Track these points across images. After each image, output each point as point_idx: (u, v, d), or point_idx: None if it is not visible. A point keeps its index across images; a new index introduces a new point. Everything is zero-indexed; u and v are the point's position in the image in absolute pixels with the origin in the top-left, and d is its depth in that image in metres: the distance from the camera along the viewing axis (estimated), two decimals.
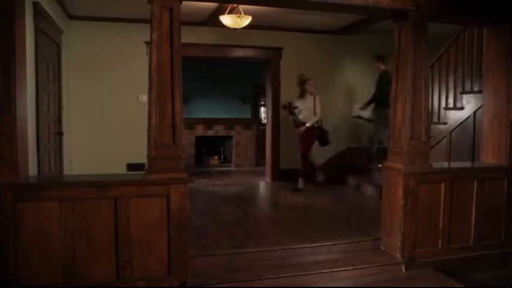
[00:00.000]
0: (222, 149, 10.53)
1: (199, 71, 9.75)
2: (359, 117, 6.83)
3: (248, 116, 10.42)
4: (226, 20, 5.16)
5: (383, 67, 6.50)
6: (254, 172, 8.81)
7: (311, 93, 6.24)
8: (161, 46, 3.20)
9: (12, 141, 2.96)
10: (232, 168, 9.73)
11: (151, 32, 3.19)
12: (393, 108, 3.94)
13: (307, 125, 6.16)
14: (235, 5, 5.08)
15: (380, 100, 6.43)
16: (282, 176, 7.12)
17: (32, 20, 3.93)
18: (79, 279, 3.10)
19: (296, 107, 6.31)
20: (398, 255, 3.82)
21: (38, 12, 4.03)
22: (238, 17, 5.08)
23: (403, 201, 3.77)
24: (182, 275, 3.29)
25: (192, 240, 3.94)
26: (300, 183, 6.34)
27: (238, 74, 9.82)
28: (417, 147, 3.81)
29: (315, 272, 3.57)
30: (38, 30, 4.05)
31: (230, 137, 10.05)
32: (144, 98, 5.95)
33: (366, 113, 6.72)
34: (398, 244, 3.81)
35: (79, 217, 3.08)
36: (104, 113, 6.35)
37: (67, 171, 5.71)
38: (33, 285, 3.02)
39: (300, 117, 6.29)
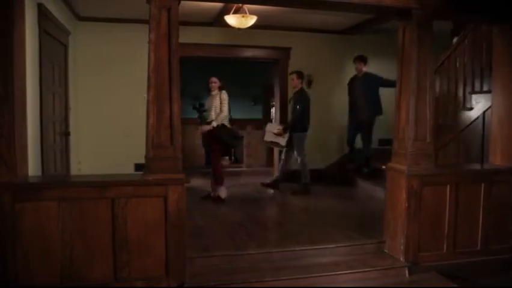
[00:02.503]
0: (233, 150, 10.51)
1: (211, 71, 9.74)
2: (275, 143, 6.26)
3: (259, 116, 10.40)
4: (231, 19, 5.14)
5: (301, 85, 6.21)
6: (264, 173, 8.73)
7: (214, 90, 5.74)
8: (160, 46, 3.20)
9: (11, 141, 2.99)
10: (243, 169, 9.67)
11: (149, 32, 3.20)
12: (397, 109, 3.87)
13: (214, 124, 5.56)
14: (241, 4, 5.06)
15: (297, 123, 6.07)
16: (290, 177, 7.04)
17: (36, 22, 3.97)
18: (78, 279, 3.12)
19: (203, 105, 5.76)
20: (401, 259, 3.74)
21: (43, 13, 4.07)
22: (243, 16, 5.06)
23: (406, 204, 3.69)
24: (180, 276, 3.28)
25: (193, 241, 3.94)
26: (222, 191, 5.73)
27: (250, 75, 9.80)
28: (421, 148, 3.73)
29: (316, 274, 3.53)
30: (42, 31, 4.08)
31: (241, 138, 10.01)
32: None
33: (284, 140, 6.15)
34: (402, 247, 3.73)
35: (77, 217, 3.09)
36: (112, 113, 6.38)
37: (75, 171, 5.76)
38: (32, 285, 3.04)
39: (209, 115, 5.65)
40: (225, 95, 5.70)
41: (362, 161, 6.52)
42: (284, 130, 6.14)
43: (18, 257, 2.99)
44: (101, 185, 3.16)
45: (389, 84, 5.32)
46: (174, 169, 3.23)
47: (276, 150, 7.24)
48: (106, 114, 6.36)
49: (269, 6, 4.72)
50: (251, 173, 8.83)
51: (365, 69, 6.33)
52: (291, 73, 6.33)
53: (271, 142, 6.26)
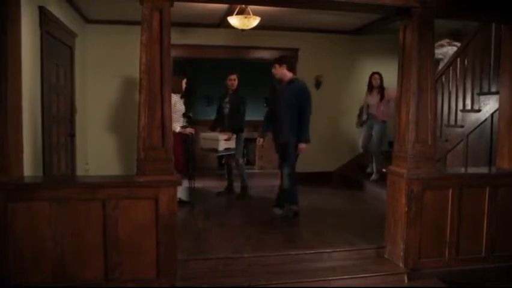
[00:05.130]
0: (245, 151, 10.48)
1: (223, 72, 9.75)
2: (228, 149, 5.79)
3: None
4: (234, 21, 5.11)
5: (236, 85, 5.84)
6: (275, 175, 8.68)
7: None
8: (151, 48, 3.19)
9: (5, 142, 3.04)
10: (255, 171, 9.63)
11: (141, 33, 3.19)
12: (398, 110, 3.77)
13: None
14: (244, 6, 5.03)
15: (240, 124, 5.80)
16: (296, 179, 6.97)
17: (37, 24, 4.02)
18: (70, 279, 3.14)
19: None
20: (401, 265, 3.64)
21: (44, 16, 4.11)
22: (246, 17, 5.02)
23: (406, 208, 3.59)
24: (171, 278, 3.27)
25: (191, 243, 3.95)
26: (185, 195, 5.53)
27: (263, 76, 9.70)
28: (422, 150, 3.62)
29: (310, 279, 3.46)
30: (44, 34, 4.13)
31: (254, 139, 9.96)
32: None
33: (233, 143, 5.81)
34: (401, 253, 3.63)
35: (69, 218, 3.11)
36: (120, 114, 6.43)
37: (82, 172, 5.83)
38: (24, 284, 3.07)
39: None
40: None
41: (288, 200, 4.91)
42: (233, 133, 5.84)
43: (10, 257, 3.03)
44: (93, 186, 3.17)
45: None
46: (166, 171, 3.22)
47: None
48: (114, 115, 6.40)
49: (266, 6, 4.69)
50: (263, 175, 8.78)
51: (290, 74, 4.81)
52: (233, 73, 5.95)
53: (225, 149, 5.79)
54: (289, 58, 4.89)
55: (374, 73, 6.27)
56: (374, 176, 6.25)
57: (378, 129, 6.20)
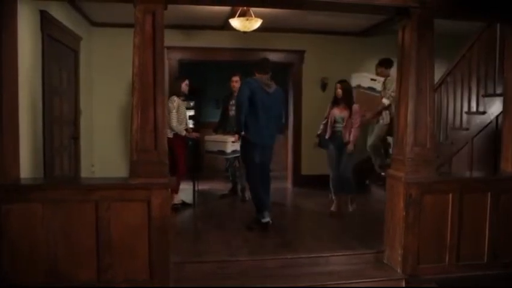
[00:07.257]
0: None
1: (231, 74, 9.74)
2: (234, 151, 5.56)
3: (281, 120, 10.25)
4: (235, 23, 5.09)
5: (238, 86, 5.33)
6: (283, 177, 8.62)
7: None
8: (144, 50, 3.21)
9: (1, 144, 3.07)
10: None
11: (134, 36, 3.21)
12: (397, 112, 3.70)
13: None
14: (245, 8, 5.02)
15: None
16: (303, 181, 6.95)
17: (38, 27, 4.07)
18: (64, 280, 3.16)
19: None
20: (399, 270, 3.56)
21: (46, 19, 4.16)
22: (247, 19, 5.00)
23: (404, 212, 3.51)
24: (164, 280, 3.26)
25: (189, 245, 3.97)
26: (178, 199, 5.38)
27: (273, 78, 9.66)
28: (421, 154, 3.54)
29: (305, 284, 3.42)
30: (46, 37, 4.18)
31: None
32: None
33: (238, 145, 5.42)
34: (399, 258, 3.55)
35: (63, 219, 3.14)
36: (125, 116, 6.46)
37: (87, 174, 5.88)
38: (18, 284, 3.10)
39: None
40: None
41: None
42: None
43: (5, 258, 3.06)
44: (86, 188, 3.20)
45: None
46: (158, 173, 3.22)
47: (289, 152, 7.15)
48: (120, 117, 6.45)
49: (263, 8, 4.65)
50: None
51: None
52: (235, 75, 5.82)
53: (233, 151, 5.62)
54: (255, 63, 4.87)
55: (338, 82, 5.08)
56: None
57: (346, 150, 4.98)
